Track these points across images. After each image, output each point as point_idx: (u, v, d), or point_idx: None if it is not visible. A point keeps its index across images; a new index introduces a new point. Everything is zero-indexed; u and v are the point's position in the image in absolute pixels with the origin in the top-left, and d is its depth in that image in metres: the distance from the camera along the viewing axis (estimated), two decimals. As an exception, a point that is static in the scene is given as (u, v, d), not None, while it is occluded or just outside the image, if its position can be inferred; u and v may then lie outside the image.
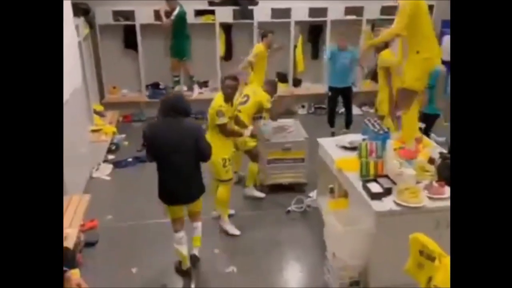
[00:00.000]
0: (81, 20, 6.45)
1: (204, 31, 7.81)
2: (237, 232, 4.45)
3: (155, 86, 8.13)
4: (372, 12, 7.94)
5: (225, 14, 7.72)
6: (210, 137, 4.13)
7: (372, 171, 3.68)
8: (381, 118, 5.82)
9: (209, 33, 7.82)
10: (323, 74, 8.06)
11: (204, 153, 3.66)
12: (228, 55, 8.16)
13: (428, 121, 5.44)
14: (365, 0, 7.89)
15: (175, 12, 7.24)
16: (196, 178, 3.73)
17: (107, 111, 7.42)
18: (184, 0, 7.38)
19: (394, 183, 3.51)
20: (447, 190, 3.37)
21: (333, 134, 6.32)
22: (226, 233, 4.51)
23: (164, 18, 7.29)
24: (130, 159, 6.19)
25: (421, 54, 3.99)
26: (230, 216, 4.61)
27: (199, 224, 3.95)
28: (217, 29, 7.81)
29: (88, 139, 6.02)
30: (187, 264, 3.87)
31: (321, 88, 7.75)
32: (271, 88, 5.21)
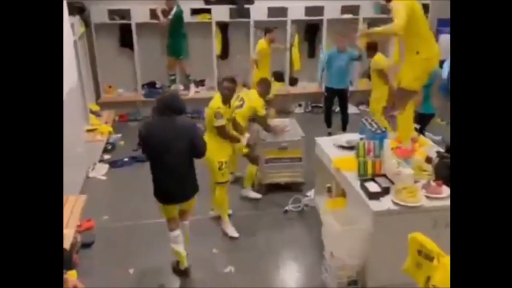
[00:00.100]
0: (76, 18, 6.41)
1: (201, 30, 7.80)
2: (235, 235, 4.44)
3: (151, 85, 8.10)
4: (368, 10, 7.96)
5: (221, 13, 7.71)
6: (208, 139, 4.12)
7: (370, 171, 3.68)
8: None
9: (206, 32, 7.80)
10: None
11: (198, 150, 3.67)
12: (224, 54, 8.16)
13: (423, 121, 5.46)
14: (361, -1, 7.93)
15: (173, 11, 7.22)
16: (190, 177, 3.74)
17: (103, 110, 7.39)
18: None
19: (392, 182, 3.51)
20: (444, 190, 3.37)
21: (329, 135, 6.31)
22: (224, 232, 4.50)
23: (161, 17, 7.27)
24: (126, 159, 6.16)
25: (421, 54, 3.97)
26: (228, 216, 4.59)
27: (186, 223, 3.97)
28: (214, 28, 7.79)
29: (84, 138, 5.98)
30: (184, 263, 3.86)
31: (318, 87, 7.74)
32: (264, 88, 5.16)
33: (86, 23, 7.18)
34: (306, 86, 8.36)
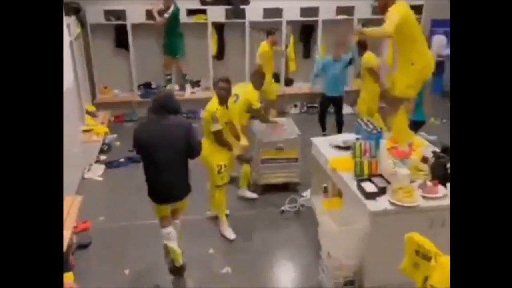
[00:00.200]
0: (72, 19, 6.39)
1: (196, 30, 7.79)
2: (232, 237, 4.44)
3: (147, 85, 8.09)
4: (363, 11, 7.98)
5: (217, 13, 7.71)
6: (207, 142, 4.12)
7: (366, 171, 3.69)
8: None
9: (201, 32, 7.80)
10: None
11: (194, 150, 3.69)
12: (220, 55, 8.15)
13: (414, 127, 5.50)
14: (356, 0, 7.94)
15: (170, 10, 7.21)
16: (184, 177, 3.75)
17: (99, 111, 7.36)
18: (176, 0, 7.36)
19: (388, 182, 3.53)
20: (440, 189, 3.39)
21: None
22: (221, 233, 4.50)
23: (157, 17, 7.26)
24: (122, 160, 6.15)
25: (416, 65, 4.01)
26: (226, 216, 4.59)
27: (178, 222, 3.96)
28: (209, 28, 7.79)
29: (80, 139, 5.96)
30: (180, 260, 3.81)
31: (313, 88, 7.76)
32: (258, 79, 5.12)
33: (82, 23, 7.16)
34: (301, 87, 8.37)
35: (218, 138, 4.27)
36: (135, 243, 4.37)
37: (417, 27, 4.08)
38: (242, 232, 4.52)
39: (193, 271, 3.96)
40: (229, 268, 4.00)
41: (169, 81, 7.95)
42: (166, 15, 7.22)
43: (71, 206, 4.17)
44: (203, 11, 7.71)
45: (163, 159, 3.56)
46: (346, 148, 4.16)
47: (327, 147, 4.36)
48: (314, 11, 7.96)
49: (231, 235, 4.44)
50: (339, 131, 6.68)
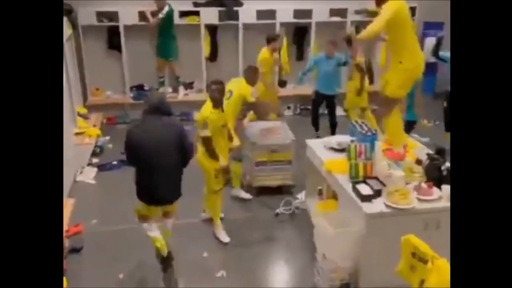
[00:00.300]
0: (64, 20, 6.32)
1: (189, 32, 7.76)
2: (227, 240, 4.40)
3: (139, 87, 8.04)
4: (356, 13, 8.00)
5: (210, 15, 7.68)
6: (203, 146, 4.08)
7: (361, 173, 3.69)
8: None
9: (194, 34, 7.77)
10: (308, 75, 8.07)
11: (187, 152, 3.68)
12: (213, 56, 8.13)
13: (406, 128, 5.53)
14: (349, 1, 7.95)
15: (164, 11, 7.17)
16: (177, 180, 3.73)
17: (91, 113, 7.30)
18: (169, 1, 7.32)
19: (384, 184, 3.53)
20: (435, 191, 3.40)
21: (317, 138, 6.31)
22: (216, 236, 4.47)
23: (150, 18, 7.21)
24: (115, 162, 6.09)
25: (404, 64, 4.01)
26: (221, 219, 4.56)
27: (169, 221, 3.93)
28: (202, 30, 7.77)
29: (71, 142, 5.89)
30: (165, 250, 3.73)
31: (307, 89, 7.77)
32: (251, 75, 5.02)
33: (74, 25, 7.09)
34: (295, 89, 8.37)
35: (206, 144, 4.17)
36: (129, 247, 4.32)
37: (410, 26, 4.06)
38: (237, 235, 4.49)
39: (187, 275, 3.93)
40: (224, 271, 3.98)
41: (162, 83, 7.91)
42: (160, 16, 7.17)
43: (63, 209, 4.12)
44: (196, 13, 7.68)
45: (157, 160, 3.54)
46: (341, 150, 4.16)
47: (322, 149, 4.36)
48: (307, 13, 7.96)
49: (225, 238, 4.41)
50: (333, 132, 6.69)
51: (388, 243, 3.09)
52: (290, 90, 8.40)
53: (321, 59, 6.56)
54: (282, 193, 5.18)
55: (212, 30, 7.98)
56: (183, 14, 7.65)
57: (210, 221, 4.61)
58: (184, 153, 3.66)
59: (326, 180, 4.19)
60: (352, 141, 4.07)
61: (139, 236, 4.39)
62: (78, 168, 5.81)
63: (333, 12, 8.06)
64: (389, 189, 3.38)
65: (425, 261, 2.33)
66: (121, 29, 7.49)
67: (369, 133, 4.11)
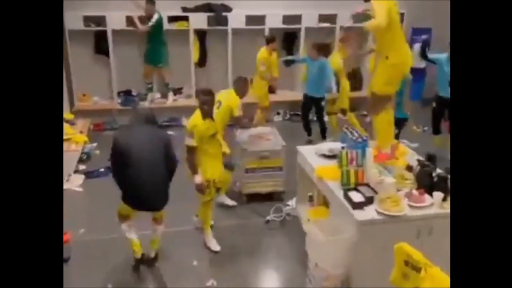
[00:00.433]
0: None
1: (178, 37, 7.72)
2: (217, 249, 4.33)
3: (127, 93, 7.97)
4: (345, 20, 8.03)
5: (199, 20, 7.66)
6: (199, 157, 4.03)
7: (352, 180, 3.67)
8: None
9: (183, 39, 7.73)
10: (298, 81, 8.09)
11: (171, 160, 3.77)
12: (202, 62, 8.10)
13: (397, 125, 5.57)
14: (338, 7, 7.99)
15: (154, 18, 7.11)
16: (164, 187, 3.76)
17: (78, 119, 7.19)
18: (158, 2, 7.27)
19: (375, 191, 3.52)
20: (427, 198, 3.40)
21: (310, 143, 6.31)
22: (206, 245, 4.41)
23: (138, 24, 7.14)
24: (102, 169, 6.00)
25: (390, 60, 4.04)
26: (211, 227, 4.50)
27: (160, 228, 3.98)
28: (191, 35, 7.73)
29: (58, 148, 5.79)
30: (139, 252, 3.88)
31: (296, 95, 7.77)
32: (241, 86, 4.92)
33: (60, 29, 7.01)
34: (284, 94, 8.37)
35: (188, 153, 4.03)
36: (118, 256, 4.23)
37: (397, 21, 4.08)
38: (227, 243, 4.44)
39: (177, 283, 3.87)
40: (214, 280, 3.92)
41: (150, 89, 7.85)
42: (150, 24, 7.11)
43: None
44: (185, 18, 7.65)
45: (145, 166, 3.57)
46: (332, 156, 4.14)
47: (313, 156, 4.34)
48: (296, 18, 7.99)
49: (216, 247, 4.35)
50: (323, 136, 6.71)
51: (380, 250, 3.08)
52: (279, 96, 8.40)
53: (308, 59, 6.68)
54: (272, 199, 5.14)
55: (201, 35, 7.95)
56: (172, 19, 7.62)
57: (200, 229, 4.55)
58: (170, 160, 3.74)
59: (317, 187, 4.17)
60: (343, 147, 4.05)
61: (128, 244, 4.32)
62: (65, 176, 5.70)
63: (322, 18, 8.09)
64: (381, 196, 3.37)
65: (418, 269, 2.31)
66: (109, 34, 7.42)
67: (360, 140, 4.10)
